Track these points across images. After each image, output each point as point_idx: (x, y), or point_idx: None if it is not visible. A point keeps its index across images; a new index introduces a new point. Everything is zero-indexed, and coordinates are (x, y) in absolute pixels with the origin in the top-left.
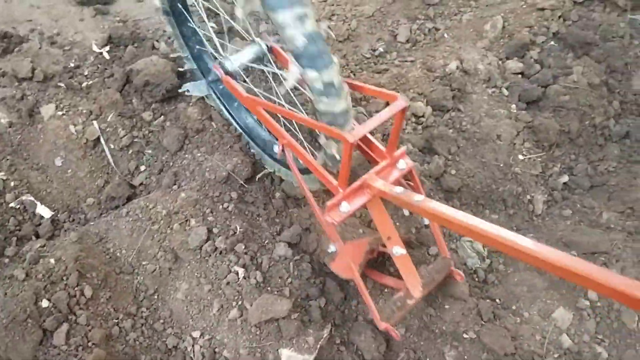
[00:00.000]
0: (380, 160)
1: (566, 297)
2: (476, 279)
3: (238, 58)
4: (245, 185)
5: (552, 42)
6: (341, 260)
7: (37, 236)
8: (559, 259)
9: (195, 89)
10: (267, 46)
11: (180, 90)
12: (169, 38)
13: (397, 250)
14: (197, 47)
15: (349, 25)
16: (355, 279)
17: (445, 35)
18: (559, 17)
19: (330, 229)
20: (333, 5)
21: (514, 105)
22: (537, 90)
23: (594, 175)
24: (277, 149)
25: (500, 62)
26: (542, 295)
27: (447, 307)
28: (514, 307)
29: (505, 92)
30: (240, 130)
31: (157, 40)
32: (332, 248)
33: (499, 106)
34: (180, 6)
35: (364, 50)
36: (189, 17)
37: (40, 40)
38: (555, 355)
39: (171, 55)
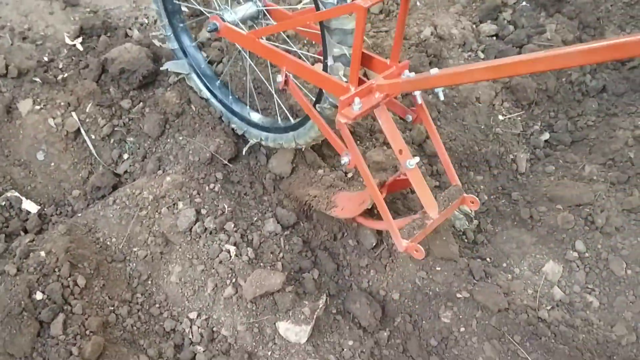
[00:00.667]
0: None
1: (555, 251)
2: (465, 240)
3: (236, 11)
4: (230, 165)
5: (524, 3)
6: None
7: (26, 231)
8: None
9: (176, 66)
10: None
11: (161, 69)
12: (146, 23)
13: (411, 163)
14: (180, 25)
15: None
16: (376, 198)
17: (418, 3)
18: None
19: (344, 130)
20: None
21: None
22: (513, 51)
23: (574, 130)
24: (279, 79)
25: (474, 25)
26: (531, 251)
27: (438, 269)
28: (504, 265)
29: (481, 54)
30: (222, 108)
31: (129, 28)
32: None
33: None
34: None
35: None
36: None
37: (11, 37)
38: (548, 307)
39: (144, 41)
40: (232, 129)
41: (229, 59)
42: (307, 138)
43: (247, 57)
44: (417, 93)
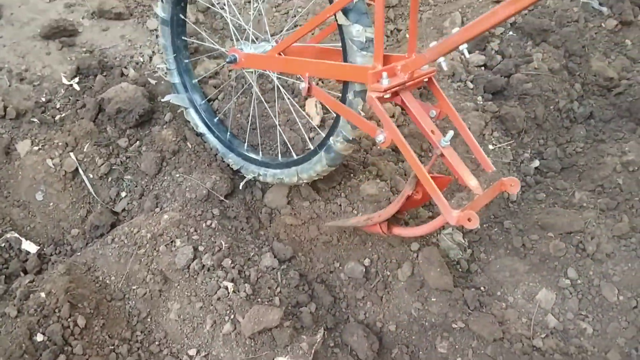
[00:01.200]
0: None
1: (547, 279)
2: (459, 270)
3: (253, 47)
4: (226, 201)
5: (511, 32)
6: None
7: (25, 272)
8: None
9: (177, 99)
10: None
11: (162, 100)
12: (141, 62)
13: (445, 139)
14: (185, 61)
15: (312, 32)
16: (419, 171)
17: (406, 35)
18: None
19: (375, 105)
20: (295, 17)
21: (480, 97)
22: (501, 81)
23: (563, 157)
24: (302, 86)
25: (462, 56)
26: (524, 279)
27: (434, 299)
28: (498, 293)
29: (470, 84)
30: (218, 144)
31: (125, 67)
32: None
33: (465, 99)
34: (181, 17)
35: None
36: (185, 30)
37: (9, 78)
38: (543, 336)
39: (140, 80)
40: (228, 165)
41: (232, 95)
42: (312, 172)
43: (257, 90)
44: (442, 60)
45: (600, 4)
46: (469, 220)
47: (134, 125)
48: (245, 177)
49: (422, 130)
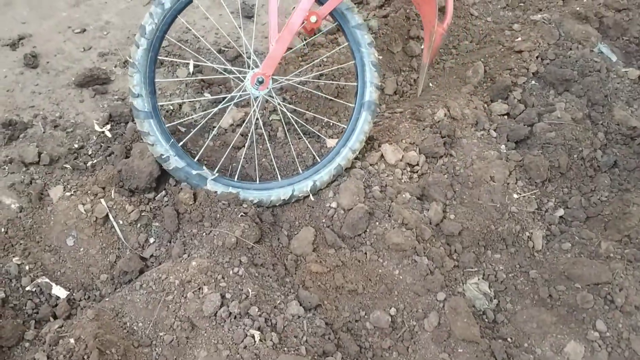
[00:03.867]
0: None
1: (575, 331)
2: (486, 320)
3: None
4: (257, 246)
5: (533, 82)
6: None
7: (55, 317)
8: None
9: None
10: None
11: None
12: (171, 111)
13: None
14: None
15: (338, 83)
16: None
17: (430, 84)
18: (537, 57)
19: None
20: (320, 66)
21: (503, 146)
22: (524, 129)
23: (588, 206)
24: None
25: (485, 105)
26: (551, 330)
27: (460, 350)
28: (525, 345)
29: (494, 133)
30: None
31: None
32: None
33: (489, 148)
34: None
35: None
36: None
37: (43, 125)
38: None
39: (170, 128)
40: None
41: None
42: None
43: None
44: None
45: (612, 51)
46: None
47: (149, 189)
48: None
49: None
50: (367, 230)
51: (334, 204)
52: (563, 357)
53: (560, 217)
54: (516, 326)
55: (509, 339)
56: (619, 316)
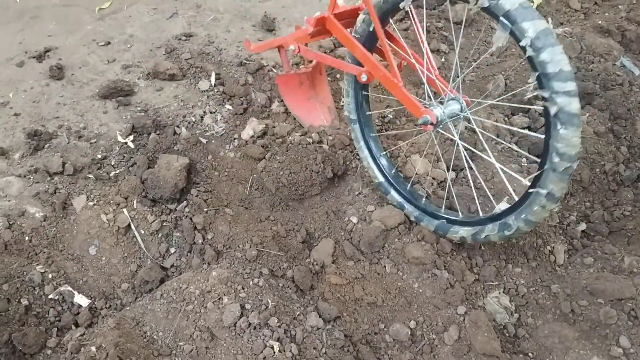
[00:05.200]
0: None
1: (598, 346)
2: (507, 334)
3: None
4: (280, 254)
5: None
6: None
7: (77, 325)
8: None
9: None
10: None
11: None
12: (193, 121)
13: None
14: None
15: None
16: None
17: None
18: None
19: None
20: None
21: (524, 159)
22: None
23: (610, 220)
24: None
25: (506, 118)
26: (574, 346)
27: None
28: None
29: (515, 147)
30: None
31: (177, 126)
32: None
33: (510, 161)
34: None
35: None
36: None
37: (68, 135)
38: None
39: (192, 139)
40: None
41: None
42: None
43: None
44: None
45: (634, 64)
46: None
47: (173, 200)
48: None
49: None
50: (385, 244)
51: (353, 219)
52: None
53: (583, 231)
54: (537, 341)
55: (530, 354)
56: None
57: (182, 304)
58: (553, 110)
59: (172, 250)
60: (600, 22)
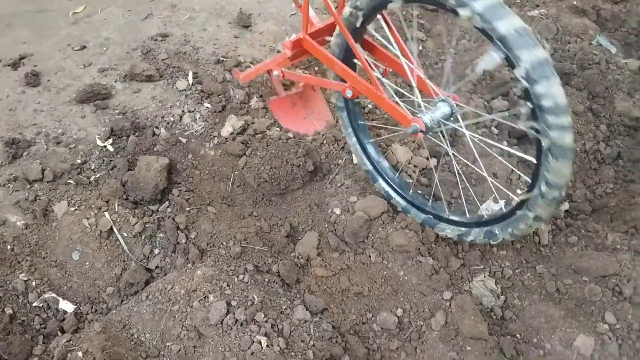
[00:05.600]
0: None
1: (584, 324)
2: (494, 317)
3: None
4: (264, 249)
5: None
6: None
7: (63, 331)
8: None
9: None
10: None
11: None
12: (172, 121)
13: None
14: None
15: None
16: None
17: None
18: None
19: None
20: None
21: (505, 142)
22: None
23: (593, 199)
24: None
25: (485, 102)
26: (560, 325)
27: (469, 348)
28: (535, 340)
29: (495, 130)
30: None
31: (156, 127)
32: None
33: (490, 145)
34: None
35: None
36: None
37: (46, 142)
38: None
39: (171, 139)
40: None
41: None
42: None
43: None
44: None
45: (610, 42)
46: None
47: (154, 201)
48: None
49: None
50: (370, 234)
51: (337, 211)
52: (573, 351)
53: (566, 210)
54: (524, 322)
55: (517, 335)
56: (628, 307)
57: (168, 304)
58: (545, 143)
59: (156, 251)
60: (575, 2)
